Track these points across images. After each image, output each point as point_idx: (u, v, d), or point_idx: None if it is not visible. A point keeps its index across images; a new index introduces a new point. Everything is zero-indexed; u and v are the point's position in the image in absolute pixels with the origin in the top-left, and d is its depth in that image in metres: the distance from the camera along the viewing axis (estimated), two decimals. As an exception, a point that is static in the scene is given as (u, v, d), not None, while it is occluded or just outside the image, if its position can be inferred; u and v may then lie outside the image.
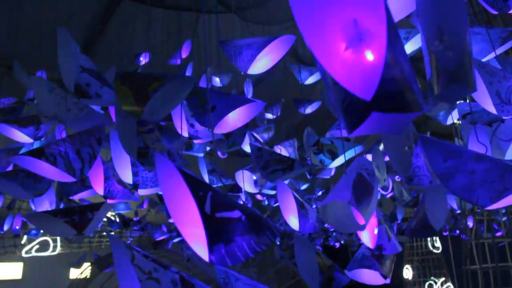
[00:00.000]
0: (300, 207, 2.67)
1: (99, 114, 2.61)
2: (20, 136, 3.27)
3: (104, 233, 10.66)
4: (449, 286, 13.43)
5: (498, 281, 5.05)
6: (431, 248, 14.00)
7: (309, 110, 5.48)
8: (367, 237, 2.28)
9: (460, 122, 4.04)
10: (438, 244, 14.08)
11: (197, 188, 1.22)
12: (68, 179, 2.15)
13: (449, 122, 3.12)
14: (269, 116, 6.06)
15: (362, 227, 1.80)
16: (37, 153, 2.03)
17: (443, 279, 13.56)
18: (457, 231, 12.82)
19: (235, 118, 2.10)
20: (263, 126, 5.08)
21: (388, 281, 2.80)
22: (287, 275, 8.61)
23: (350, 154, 3.16)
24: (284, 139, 5.26)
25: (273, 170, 3.00)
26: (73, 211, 3.16)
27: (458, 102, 3.06)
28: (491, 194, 1.51)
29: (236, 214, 1.29)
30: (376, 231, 2.25)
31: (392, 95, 1.06)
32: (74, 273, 11.04)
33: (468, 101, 2.73)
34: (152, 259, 1.63)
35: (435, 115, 3.30)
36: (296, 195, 2.68)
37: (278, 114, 6.26)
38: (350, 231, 1.94)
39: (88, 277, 5.89)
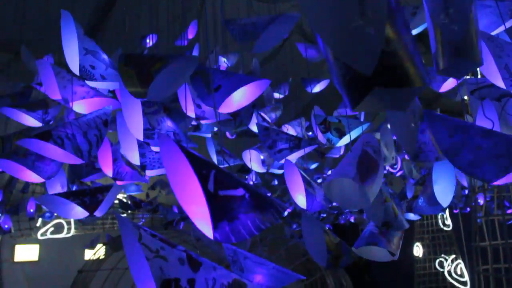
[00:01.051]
0: (308, 185, 2.67)
1: (105, 97, 2.61)
2: (29, 120, 3.30)
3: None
4: (459, 263, 13.46)
5: (507, 257, 5.04)
6: (441, 225, 13.99)
7: (317, 89, 5.43)
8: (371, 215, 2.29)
9: (468, 99, 3.99)
10: (448, 221, 14.05)
11: (200, 166, 1.23)
12: (76, 161, 2.17)
13: (458, 98, 3.08)
14: (276, 95, 6.03)
15: (367, 204, 1.80)
16: (44, 136, 2.05)
17: (453, 256, 13.57)
18: (468, 209, 12.78)
19: (240, 97, 2.10)
20: (270, 106, 5.05)
21: (396, 258, 2.82)
22: (297, 253, 8.69)
23: (357, 132, 3.15)
24: (292, 118, 5.24)
25: (280, 149, 3.00)
26: (84, 193, 3.22)
27: (467, 77, 3.01)
28: (497, 169, 1.49)
29: (239, 192, 1.30)
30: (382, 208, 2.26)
31: (393, 70, 1.05)
32: (89, 254, 11.28)
33: (478, 76, 2.68)
34: (159, 238, 1.66)
35: (445, 91, 3.25)
36: (304, 174, 2.68)
37: (286, 94, 6.22)
38: (355, 208, 1.95)
39: (101, 257, 6.01)
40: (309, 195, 2.67)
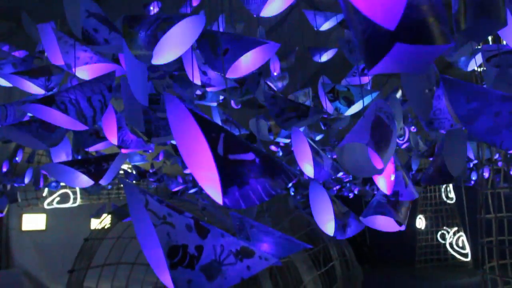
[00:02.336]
0: (315, 154, 2.63)
1: (109, 62, 2.54)
2: (32, 87, 3.24)
3: (122, 185, 10.90)
4: (461, 235, 13.56)
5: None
6: (444, 198, 14.04)
7: (324, 58, 5.31)
8: (384, 183, 2.24)
9: (481, 69, 3.88)
10: (452, 194, 14.10)
11: (209, 129, 1.18)
12: (80, 127, 2.13)
13: (470, 68, 2.98)
14: (282, 64, 5.92)
15: (380, 172, 1.76)
16: (47, 101, 2.00)
17: (455, 229, 13.68)
18: (472, 182, 12.78)
19: (248, 62, 2.02)
20: (277, 75, 4.96)
21: (403, 228, 2.79)
22: (301, 224, 8.74)
23: (367, 100, 3.07)
24: (299, 88, 5.16)
25: (287, 117, 2.94)
26: (89, 161, 3.19)
27: (480, 46, 2.91)
28: (517, 136, 1.44)
29: (250, 156, 1.25)
30: (393, 177, 2.21)
31: (418, 25, 0.98)
32: (95, 223, 11.42)
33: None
34: (166, 204, 1.62)
35: (456, 60, 3.15)
36: (311, 143, 2.63)
37: (292, 63, 6.12)
38: (367, 175, 1.91)
39: (107, 226, 6.06)
40: (316, 164, 2.63)
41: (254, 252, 1.73)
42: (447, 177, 2.48)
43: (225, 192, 1.20)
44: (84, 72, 2.58)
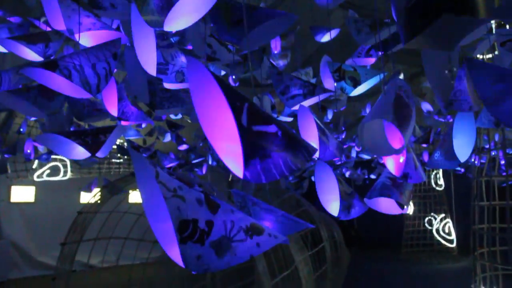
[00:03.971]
0: (321, 133, 2.58)
1: (113, 30, 2.44)
2: (29, 54, 3.12)
3: (113, 160, 10.79)
4: (448, 222, 13.77)
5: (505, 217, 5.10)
6: (433, 185, 14.18)
7: (326, 38, 5.22)
8: (392, 164, 2.21)
9: (489, 56, 3.84)
10: (441, 182, 14.25)
11: (234, 97, 1.11)
12: (84, 94, 2.04)
13: (478, 52, 2.93)
14: (283, 44, 5.81)
15: (398, 151, 1.72)
16: (50, 66, 1.90)
17: (442, 215, 13.87)
18: (462, 170, 12.91)
19: (263, 34, 1.94)
20: (277, 53, 4.87)
21: (405, 211, 2.78)
22: (291, 205, 8.77)
23: (375, 81, 3.01)
24: (299, 67, 5.07)
25: (293, 95, 2.87)
26: (86, 133, 3.11)
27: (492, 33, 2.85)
28: (544, 120, 1.40)
29: (272, 128, 1.19)
30: (402, 159, 2.18)
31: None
32: (85, 198, 11.35)
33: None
34: (177, 176, 1.56)
35: (469, 47, 3.11)
36: (318, 121, 2.58)
37: (292, 42, 6.00)
38: (385, 154, 1.86)
39: (99, 201, 6.00)
40: (322, 144, 2.58)
41: (263, 229, 1.69)
42: (454, 162, 2.45)
43: (246, 165, 1.14)
44: (86, 39, 2.47)
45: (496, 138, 6.27)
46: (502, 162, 6.93)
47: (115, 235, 6.24)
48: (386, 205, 2.69)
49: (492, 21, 3.43)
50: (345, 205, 2.41)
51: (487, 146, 5.54)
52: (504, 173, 7.19)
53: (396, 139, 1.67)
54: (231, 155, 1.19)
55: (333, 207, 2.41)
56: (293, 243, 6.53)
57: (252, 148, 1.14)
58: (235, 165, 1.19)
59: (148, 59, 1.95)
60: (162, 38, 2.19)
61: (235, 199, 2.45)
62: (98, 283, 6.63)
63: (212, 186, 6.00)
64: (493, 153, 5.72)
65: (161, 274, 6.70)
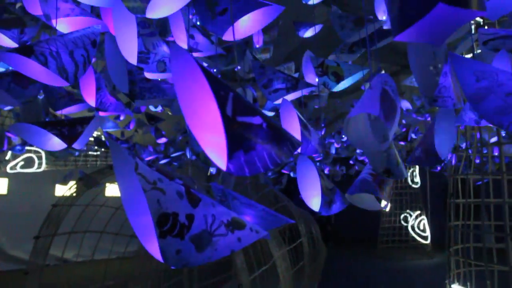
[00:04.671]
0: (304, 128, 2.56)
1: (92, 17, 2.35)
2: (3, 39, 2.99)
3: (90, 152, 10.58)
4: (423, 219, 14.03)
5: (479, 214, 5.20)
6: (410, 183, 14.41)
7: (309, 33, 5.20)
8: (373, 160, 2.20)
9: (469, 56, 3.88)
10: (417, 179, 14.49)
11: (218, 87, 1.07)
12: (61, 83, 1.96)
13: (459, 51, 2.96)
14: (266, 38, 5.78)
15: (383, 147, 1.71)
16: (26, 51, 1.81)
17: (418, 212, 14.11)
18: (438, 168, 13.16)
19: (248, 24, 1.90)
20: (261, 46, 4.83)
21: (386, 208, 2.79)
22: (270, 200, 8.77)
23: (357, 77, 3.01)
24: (281, 62, 5.06)
25: (276, 89, 2.84)
26: (62, 123, 3.02)
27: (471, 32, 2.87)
28: (527, 117, 1.40)
29: (257, 120, 1.15)
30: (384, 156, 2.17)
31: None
32: (60, 190, 11.10)
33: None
34: (157, 169, 1.52)
35: (450, 46, 3.12)
36: (300, 116, 2.56)
37: (275, 36, 5.97)
38: (369, 149, 1.85)
39: (74, 194, 5.86)
40: (304, 138, 2.56)
41: (245, 224, 1.66)
42: (434, 159, 2.46)
43: (230, 157, 1.10)
44: (63, 25, 2.38)
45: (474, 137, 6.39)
46: (478, 161, 7.08)
47: (91, 229, 6.12)
48: (367, 201, 2.70)
49: (472, 21, 3.47)
50: (327, 201, 2.40)
51: (464, 145, 5.64)
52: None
53: (379, 135, 1.66)
54: (215, 146, 1.15)
55: (315, 202, 2.40)
56: (272, 238, 6.52)
57: (236, 139, 1.10)
58: (218, 157, 1.15)
59: (129, 47, 1.89)
60: (144, 26, 2.13)
61: (215, 193, 2.41)
62: (73, 278, 6.49)
63: (193, 180, 5.94)
64: (469, 152, 5.81)
65: (138, 268, 6.61)
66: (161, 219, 1.42)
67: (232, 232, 1.58)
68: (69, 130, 2.99)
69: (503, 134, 5.11)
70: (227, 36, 1.89)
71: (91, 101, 2.79)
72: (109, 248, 6.44)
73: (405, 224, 14.11)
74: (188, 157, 8.60)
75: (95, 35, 2.03)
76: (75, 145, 3.01)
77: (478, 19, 4.26)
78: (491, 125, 4.35)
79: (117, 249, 6.59)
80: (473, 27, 3.52)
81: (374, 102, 1.58)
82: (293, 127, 2.58)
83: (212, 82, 1.05)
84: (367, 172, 2.63)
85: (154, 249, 1.50)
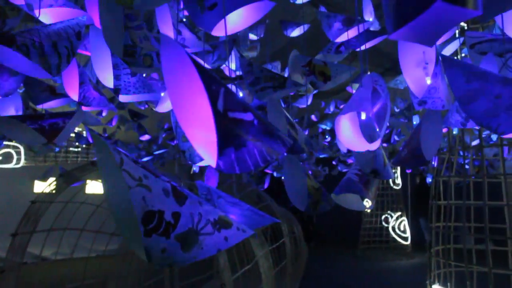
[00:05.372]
0: (290, 127, 2.54)
1: (76, 7, 2.29)
2: (-18, 30, 2.90)
3: (71, 148, 10.40)
4: (403, 220, 14.19)
5: (460, 216, 5.27)
6: (391, 184, 14.56)
7: (296, 33, 5.20)
8: (361, 161, 2.20)
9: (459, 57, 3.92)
10: (398, 181, 14.65)
11: (210, 81, 1.04)
12: (43, 75, 1.90)
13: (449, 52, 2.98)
14: (252, 37, 5.75)
15: (371, 147, 1.70)
16: (6, 41, 1.75)
17: (399, 213, 14.28)
18: (421, 169, 13.34)
19: (238, 20, 1.87)
20: (247, 45, 4.80)
21: (371, 207, 2.80)
22: (252, 200, 8.75)
23: (345, 77, 3.01)
24: (268, 61, 5.04)
25: (263, 87, 2.81)
26: (43, 118, 2.94)
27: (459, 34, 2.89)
28: (516, 120, 1.40)
29: (249, 116, 1.12)
30: (371, 156, 2.17)
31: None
32: (39, 186, 10.88)
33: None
34: (142, 165, 1.47)
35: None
36: (287, 114, 2.54)
37: (262, 36, 5.95)
38: (358, 149, 1.84)
39: (54, 191, 5.73)
40: (291, 138, 2.55)
41: (232, 223, 1.63)
42: (420, 160, 2.47)
43: (221, 153, 1.07)
44: (46, 16, 2.31)
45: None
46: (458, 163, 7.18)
47: (71, 227, 6.00)
48: (352, 201, 2.70)
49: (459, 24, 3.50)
50: (313, 200, 2.39)
51: (446, 147, 5.71)
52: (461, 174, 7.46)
53: (369, 135, 1.65)
54: (204, 142, 1.12)
55: (301, 202, 2.38)
56: (254, 238, 6.49)
57: (227, 136, 1.07)
58: (208, 153, 1.12)
59: (115, 40, 1.83)
60: (131, 18, 2.08)
61: (200, 191, 2.38)
62: (51, 276, 6.36)
63: (179, 177, 5.88)
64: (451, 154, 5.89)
65: (118, 267, 6.51)
66: (146, 217, 1.38)
67: (219, 231, 1.55)
68: (50, 124, 2.92)
69: (484, 136, 5.18)
70: (216, 32, 1.86)
71: (74, 96, 2.72)
72: (89, 246, 6.33)
73: (386, 225, 14.25)
74: (173, 155, 8.53)
75: (79, 27, 1.97)
76: (56, 141, 2.94)
77: (462, 23, 4.32)
78: (474, 128, 4.40)
79: (97, 247, 6.48)
80: (457, 31, 3.56)
81: (366, 101, 1.57)
82: (280, 126, 2.56)
83: (203, 76, 1.02)
84: (353, 173, 2.63)
85: (138, 247, 1.46)
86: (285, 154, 2.43)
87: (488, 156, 7.24)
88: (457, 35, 3.95)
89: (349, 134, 1.76)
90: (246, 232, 1.70)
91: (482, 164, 5.00)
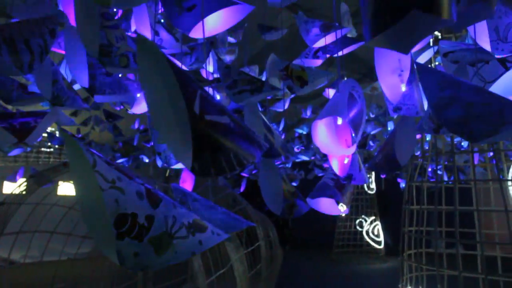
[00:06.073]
0: (267, 131, 2.54)
1: (52, 4, 2.23)
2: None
3: (43, 149, 10.15)
4: (377, 224, 14.40)
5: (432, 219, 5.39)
6: (366, 189, 14.75)
7: (273, 37, 5.21)
8: (336, 165, 2.22)
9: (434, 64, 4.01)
10: (373, 185, 14.86)
11: (186, 83, 1.03)
12: (14, 73, 1.84)
13: (423, 60, 3.05)
14: (231, 39, 5.74)
15: (347, 151, 1.71)
16: (-25, 37, 1.69)
17: (373, 217, 14.48)
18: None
19: (216, 22, 1.86)
20: (226, 48, 4.79)
21: (346, 212, 2.82)
22: (228, 203, 8.72)
23: (322, 82, 3.03)
24: (245, 65, 5.04)
25: (240, 90, 2.80)
26: (14, 116, 2.87)
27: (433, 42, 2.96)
28: (487, 128, 1.44)
29: (225, 119, 1.12)
30: (346, 161, 2.19)
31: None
32: (8, 187, 10.56)
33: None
34: (116, 167, 1.45)
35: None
36: (264, 118, 2.54)
37: (240, 39, 5.95)
38: (334, 153, 1.85)
39: (24, 192, 5.59)
40: (267, 141, 2.55)
41: (206, 227, 1.62)
42: (394, 165, 2.51)
43: (196, 156, 1.05)
44: (20, 13, 2.24)
45: (426, 146, 6.62)
46: (430, 169, 7.34)
47: (41, 229, 5.85)
48: (327, 206, 2.72)
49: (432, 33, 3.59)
50: (288, 204, 2.39)
51: (418, 153, 5.82)
52: (433, 179, 7.63)
53: (346, 139, 1.67)
54: (180, 145, 1.10)
55: (276, 205, 2.38)
56: (229, 241, 6.47)
57: (203, 138, 1.06)
58: (184, 156, 1.10)
59: (91, 39, 1.80)
60: (108, 18, 2.04)
61: (175, 194, 2.35)
62: (19, 280, 6.18)
63: (153, 180, 5.80)
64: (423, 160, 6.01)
65: (89, 271, 6.38)
66: (119, 219, 1.35)
67: (193, 234, 1.54)
68: (20, 124, 2.85)
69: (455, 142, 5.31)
70: (194, 33, 1.85)
71: (47, 94, 2.66)
72: (59, 249, 6.18)
73: (360, 229, 14.42)
74: (147, 157, 8.41)
75: (54, 24, 1.92)
76: (27, 141, 2.86)
77: (436, 32, 4.42)
78: (446, 135, 4.51)
79: (68, 250, 6.34)
80: (431, 40, 3.64)
81: (342, 107, 1.59)
82: (257, 130, 2.56)
83: (180, 78, 1.01)
84: (329, 177, 2.65)
85: (110, 251, 1.43)
86: (261, 157, 2.43)
87: (458, 162, 7.41)
88: (431, 44, 4.05)
89: (325, 139, 1.78)
90: (221, 235, 1.69)
91: (454, 170, 5.12)
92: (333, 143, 1.76)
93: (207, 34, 1.90)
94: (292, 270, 11.35)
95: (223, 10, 1.81)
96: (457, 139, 6.23)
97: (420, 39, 1.18)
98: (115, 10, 2.60)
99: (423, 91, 1.58)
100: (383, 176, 13.09)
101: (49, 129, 8.73)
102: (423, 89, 1.57)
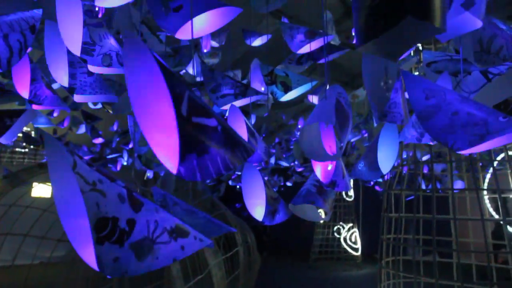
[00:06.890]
0: (251, 135, 2.52)
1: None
2: None
3: (17, 149, 9.89)
4: (355, 231, 14.52)
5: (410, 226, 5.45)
6: (344, 196, 14.87)
7: (257, 42, 5.21)
8: (320, 171, 2.21)
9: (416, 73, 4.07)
10: (351, 193, 14.99)
11: (174, 83, 1.00)
12: (-9, 69, 1.77)
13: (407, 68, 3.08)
14: (214, 43, 5.71)
15: (333, 158, 1.70)
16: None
17: (350, 224, 14.59)
18: (371, 182, 13.72)
19: (203, 24, 1.83)
20: (208, 51, 4.76)
21: (327, 218, 2.82)
22: (206, 208, 8.65)
23: (306, 88, 3.03)
24: (228, 69, 5.02)
25: (224, 94, 2.78)
26: (-12, 115, 2.78)
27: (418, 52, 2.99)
28: (471, 138, 1.45)
29: (213, 122, 1.09)
30: (330, 167, 2.18)
31: (428, 3, 0.91)
32: (-21, 188, 10.24)
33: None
34: (97, 168, 1.40)
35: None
36: (248, 122, 2.52)
37: (223, 43, 5.93)
38: (320, 160, 1.84)
39: (-3, 192, 5.43)
40: (251, 145, 2.52)
41: (189, 232, 1.58)
42: (377, 173, 2.52)
43: (182, 159, 1.02)
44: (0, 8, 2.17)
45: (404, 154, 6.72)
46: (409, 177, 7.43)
47: (13, 232, 5.67)
48: (309, 212, 2.70)
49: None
50: (270, 210, 2.37)
51: (398, 161, 5.89)
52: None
53: (331, 145, 1.66)
54: (166, 147, 1.07)
55: (258, 211, 2.35)
56: (207, 247, 6.40)
57: (190, 141, 1.03)
58: (169, 159, 1.07)
59: (73, 36, 1.74)
60: (91, 15, 1.99)
61: (156, 198, 2.30)
62: (-12, 284, 5.98)
63: (135, 182, 5.70)
64: (404, 168, 6.08)
65: (63, 275, 6.21)
66: (99, 223, 1.31)
67: (175, 240, 1.50)
68: (-5, 122, 2.76)
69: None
70: (180, 34, 1.81)
71: (25, 93, 2.58)
72: (33, 253, 6.00)
73: (338, 236, 14.51)
74: (125, 160, 8.28)
75: (34, 20, 1.86)
76: (2, 140, 2.78)
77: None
78: (426, 144, 4.57)
79: (42, 254, 6.16)
80: (412, 51, 3.70)
81: (330, 113, 1.58)
82: (240, 134, 2.53)
83: (168, 78, 0.98)
84: (311, 183, 2.64)
85: (88, 255, 1.38)
86: (247, 161, 2.40)
87: (436, 171, 7.53)
88: (412, 54, 4.11)
89: (311, 144, 1.76)
90: (203, 241, 1.65)
91: (432, 179, 5.20)
92: (320, 149, 1.75)
93: (194, 36, 1.87)
94: (269, 276, 11.32)
95: (210, 12, 1.79)
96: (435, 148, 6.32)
97: (409, 47, 1.18)
98: (97, 9, 2.55)
99: (409, 99, 1.58)
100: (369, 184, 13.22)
101: (24, 129, 8.51)
102: (409, 97, 1.57)
